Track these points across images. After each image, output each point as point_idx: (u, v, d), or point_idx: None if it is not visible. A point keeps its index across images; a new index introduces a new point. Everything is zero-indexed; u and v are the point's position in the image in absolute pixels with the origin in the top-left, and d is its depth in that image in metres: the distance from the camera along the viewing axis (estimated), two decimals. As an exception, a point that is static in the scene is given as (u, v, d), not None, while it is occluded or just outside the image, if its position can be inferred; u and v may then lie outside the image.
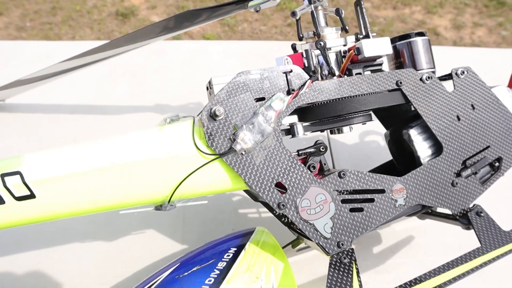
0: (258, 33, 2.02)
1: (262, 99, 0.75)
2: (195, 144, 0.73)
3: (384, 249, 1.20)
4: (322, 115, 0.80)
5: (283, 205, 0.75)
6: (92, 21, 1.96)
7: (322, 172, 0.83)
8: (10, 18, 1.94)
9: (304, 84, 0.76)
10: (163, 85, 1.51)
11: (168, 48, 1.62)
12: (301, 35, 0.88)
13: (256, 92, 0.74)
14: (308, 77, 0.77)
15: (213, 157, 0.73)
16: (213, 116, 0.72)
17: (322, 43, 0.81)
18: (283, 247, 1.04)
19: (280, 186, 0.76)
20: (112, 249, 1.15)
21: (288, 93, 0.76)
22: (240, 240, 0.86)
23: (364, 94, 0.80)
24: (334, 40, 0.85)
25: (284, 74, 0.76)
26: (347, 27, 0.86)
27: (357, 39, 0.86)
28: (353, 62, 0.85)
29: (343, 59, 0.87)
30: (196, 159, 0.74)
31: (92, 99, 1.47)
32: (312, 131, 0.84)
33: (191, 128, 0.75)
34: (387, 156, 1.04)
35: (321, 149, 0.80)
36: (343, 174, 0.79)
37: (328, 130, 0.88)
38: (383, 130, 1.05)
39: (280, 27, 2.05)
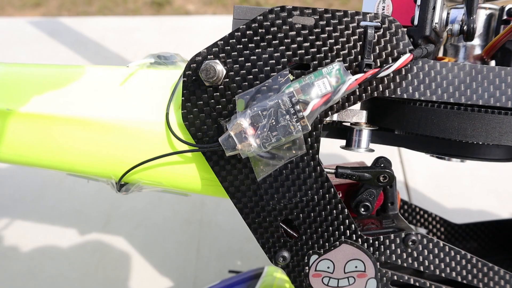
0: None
1: (305, 67, 0.40)
2: (166, 117, 0.43)
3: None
4: (418, 127, 0.42)
5: (283, 258, 0.43)
6: (127, 10, 1.95)
7: (380, 218, 0.48)
8: (47, 9, 1.95)
9: (396, 59, 0.38)
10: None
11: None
12: None
13: (296, 50, 0.39)
14: (409, 45, 0.38)
15: (186, 146, 0.42)
16: (201, 76, 0.39)
17: None
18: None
19: (289, 225, 0.44)
20: (112, 285, 0.92)
21: (359, 69, 0.39)
22: (243, 287, 0.60)
23: None
24: None
25: (363, 30, 0.38)
26: None
27: None
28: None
29: (503, 27, 0.44)
30: (163, 138, 0.44)
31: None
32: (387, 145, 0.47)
33: (173, 85, 0.44)
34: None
35: (381, 179, 0.44)
36: (413, 241, 0.43)
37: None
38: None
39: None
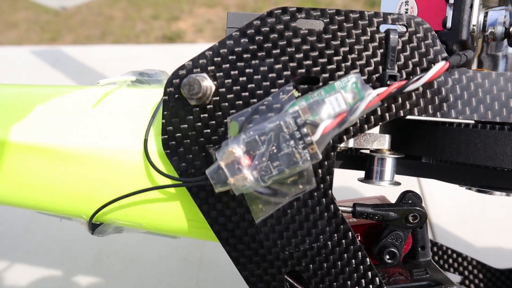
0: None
1: (313, 81, 0.32)
2: (145, 145, 0.35)
3: None
4: (457, 154, 0.33)
5: None
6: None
7: (409, 267, 0.39)
8: (63, 42, 2.03)
9: (426, 70, 0.30)
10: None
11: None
12: None
13: (302, 60, 0.32)
14: (443, 52, 0.31)
15: (167, 180, 0.34)
16: (183, 92, 0.32)
17: None
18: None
19: (296, 278, 0.35)
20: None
21: (380, 83, 0.31)
22: None
23: None
24: None
25: (384, 34, 0.31)
26: None
27: None
28: None
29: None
30: (141, 170, 0.36)
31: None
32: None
33: (154, 106, 0.36)
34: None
35: (411, 219, 0.35)
36: None
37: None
38: None
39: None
